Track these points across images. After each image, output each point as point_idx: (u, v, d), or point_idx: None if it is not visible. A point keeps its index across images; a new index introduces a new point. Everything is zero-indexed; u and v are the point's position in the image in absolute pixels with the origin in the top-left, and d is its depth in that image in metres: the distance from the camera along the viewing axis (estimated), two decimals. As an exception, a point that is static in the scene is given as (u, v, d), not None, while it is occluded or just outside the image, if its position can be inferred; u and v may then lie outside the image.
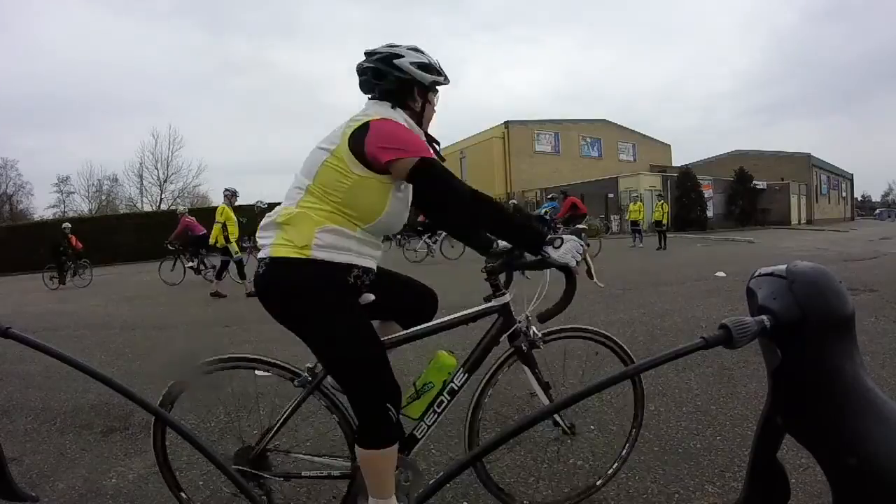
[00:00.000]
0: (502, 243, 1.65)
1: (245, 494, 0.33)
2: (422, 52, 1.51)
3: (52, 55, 60.08)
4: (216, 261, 8.83)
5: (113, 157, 73.66)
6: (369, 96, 1.53)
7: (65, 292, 10.72)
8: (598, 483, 1.78)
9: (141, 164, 36.51)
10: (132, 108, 61.35)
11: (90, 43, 67.69)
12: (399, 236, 15.23)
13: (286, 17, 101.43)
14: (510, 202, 17.23)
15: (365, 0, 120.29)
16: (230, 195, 8.32)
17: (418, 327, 1.57)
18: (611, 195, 25.45)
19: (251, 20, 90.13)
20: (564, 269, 1.42)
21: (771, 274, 0.35)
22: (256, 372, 1.60)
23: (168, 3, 75.65)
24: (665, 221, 14.44)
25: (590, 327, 1.82)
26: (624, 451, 1.81)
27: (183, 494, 1.61)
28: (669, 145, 40.25)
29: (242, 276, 8.08)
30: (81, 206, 38.00)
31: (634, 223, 15.51)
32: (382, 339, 1.47)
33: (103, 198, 38.36)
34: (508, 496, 1.73)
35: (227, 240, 8.13)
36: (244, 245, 11.94)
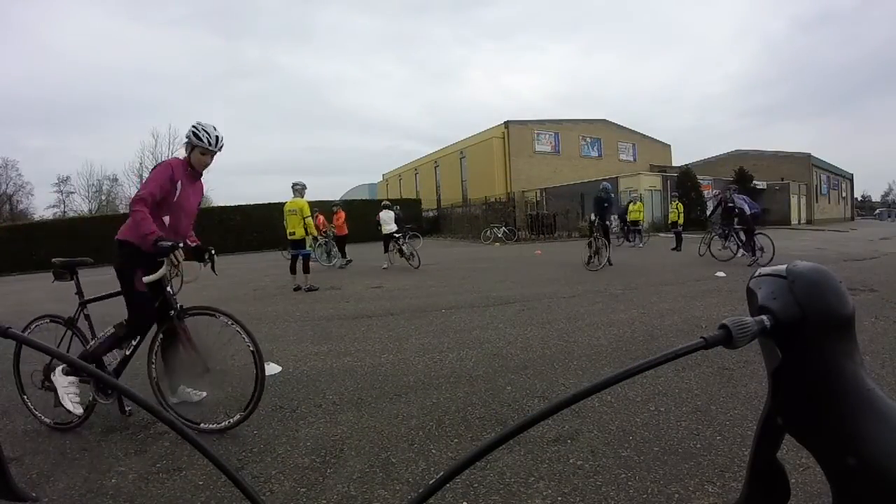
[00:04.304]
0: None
1: (246, 495, 0.33)
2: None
3: (62, 58, 60.02)
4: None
5: (113, 158, 73.50)
6: None
7: (61, 291, 10.71)
8: None
9: (141, 164, 36.47)
10: (138, 109, 60.96)
11: (102, 46, 67.66)
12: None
13: (297, 24, 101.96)
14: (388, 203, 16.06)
15: (376, 9, 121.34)
16: (303, 189, 8.24)
17: None
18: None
19: (263, 26, 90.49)
20: None
21: (771, 274, 0.34)
22: None
23: (182, 8, 75.86)
24: (681, 222, 13.66)
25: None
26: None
27: None
28: (669, 145, 40.21)
29: (306, 269, 7.98)
30: (81, 206, 37.98)
31: (634, 223, 15.50)
32: None
33: (103, 198, 38.34)
34: None
35: (306, 232, 8.11)
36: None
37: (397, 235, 10.77)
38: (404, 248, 10.70)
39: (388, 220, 10.74)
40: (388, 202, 12.09)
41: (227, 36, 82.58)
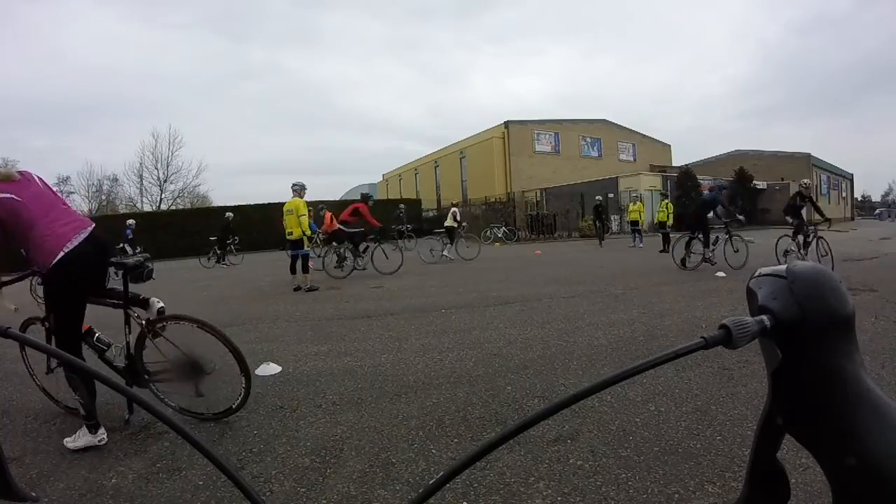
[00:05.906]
0: None
1: (246, 495, 0.33)
2: None
3: (63, 59, 60.13)
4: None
5: (113, 158, 73.64)
6: None
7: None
8: None
9: (141, 164, 36.46)
10: (138, 109, 60.89)
11: (102, 47, 67.75)
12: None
13: (305, 28, 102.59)
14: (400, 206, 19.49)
15: (382, 14, 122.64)
16: (302, 189, 8.28)
17: None
18: (611, 195, 25.46)
19: (269, 29, 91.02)
20: None
21: (771, 274, 0.34)
22: None
23: (189, 11, 76.26)
24: (670, 223, 13.41)
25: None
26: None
27: None
28: (669, 145, 40.23)
29: (305, 269, 8.05)
30: (81, 206, 37.90)
31: (634, 223, 15.50)
32: None
33: (103, 198, 38.28)
34: None
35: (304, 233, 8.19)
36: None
37: (440, 231, 12.69)
38: (453, 242, 12.62)
39: (449, 218, 12.96)
40: (451, 202, 15.71)
41: (235, 38, 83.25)
